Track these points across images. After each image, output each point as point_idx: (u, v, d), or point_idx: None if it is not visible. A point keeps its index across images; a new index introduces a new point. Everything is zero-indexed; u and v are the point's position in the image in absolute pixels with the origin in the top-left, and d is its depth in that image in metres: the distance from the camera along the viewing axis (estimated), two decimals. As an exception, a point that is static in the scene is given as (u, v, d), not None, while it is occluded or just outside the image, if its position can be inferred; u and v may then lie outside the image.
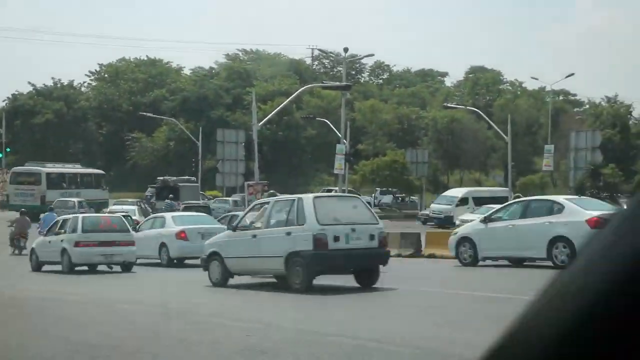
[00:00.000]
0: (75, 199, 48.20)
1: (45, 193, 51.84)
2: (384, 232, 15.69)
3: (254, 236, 15.26)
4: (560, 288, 0.87)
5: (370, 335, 9.06)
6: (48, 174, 53.91)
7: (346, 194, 20.08)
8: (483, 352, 0.91)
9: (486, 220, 20.07)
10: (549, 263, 17.90)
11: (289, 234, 14.59)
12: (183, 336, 9.30)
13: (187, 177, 56.45)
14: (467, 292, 14.04)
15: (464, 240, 20.12)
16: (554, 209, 18.58)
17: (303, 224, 14.38)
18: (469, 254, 19.88)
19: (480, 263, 19.72)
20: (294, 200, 15.39)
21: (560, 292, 0.86)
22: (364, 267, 15.02)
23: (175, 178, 51.13)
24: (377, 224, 15.43)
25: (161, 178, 50.53)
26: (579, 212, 17.67)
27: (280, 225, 15.00)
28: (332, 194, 20.96)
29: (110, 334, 9.71)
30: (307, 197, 15.38)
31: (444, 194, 51.13)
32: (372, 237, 14.86)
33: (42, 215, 32.92)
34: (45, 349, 8.52)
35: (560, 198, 20.09)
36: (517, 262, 19.33)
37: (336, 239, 14.31)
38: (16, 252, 28.36)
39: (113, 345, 8.74)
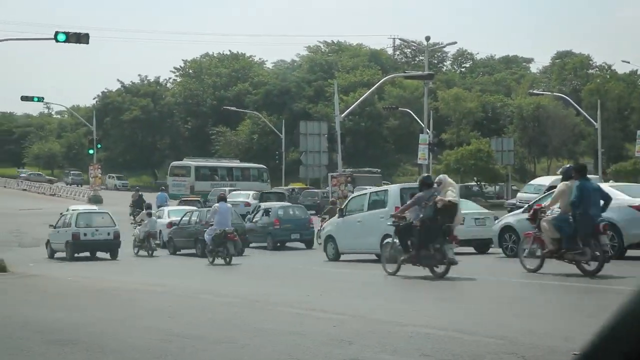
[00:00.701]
0: (227, 189, 52.63)
1: (194, 184, 59.13)
2: (118, 230, 27.85)
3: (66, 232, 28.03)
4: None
5: (454, 325, 8.92)
6: (197, 167, 61.17)
7: (102, 211, 32.36)
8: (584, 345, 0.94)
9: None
10: None
11: (66, 231, 27.87)
12: (269, 327, 9.34)
13: (369, 168, 59.92)
14: (542, 282, 13.69)
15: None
16: None
17: (70, 226, 27.88)
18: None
19: None
20: (69, 213, 29.78)
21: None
22: (103, 250, 27.85)
23: (352, 169, 52.30)
24: (115, 226, 28.02)
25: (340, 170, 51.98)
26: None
27: (64, 226, 28.38)
28: (91, 209, 34.01)
29: (196, 323, 9.83)
30: (74, 211, 30.19)
31: (531, 182, 50.01)
32: (109, 234, 27.61)
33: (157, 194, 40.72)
34: (138, 339, 8.69)
35: None
36: None
37: (85, 234, 27.56)
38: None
39: (199, 336, 8.83)
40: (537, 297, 11.91)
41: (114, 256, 27.52)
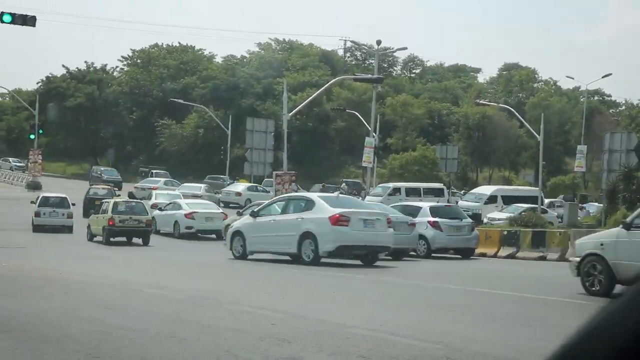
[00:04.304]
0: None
1: None
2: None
3: None
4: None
5: (392, 328, 9.03)
6: None
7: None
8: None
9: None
10: None
11: None
12: (209, 322, 9.32)
13: None
14: (482, 290, 13.94)
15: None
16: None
17: None
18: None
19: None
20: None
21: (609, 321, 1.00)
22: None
23: None
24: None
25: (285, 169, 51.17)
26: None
27: None
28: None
29: (137, 317, 9.75)
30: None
31: (472, 191, 50.80)
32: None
33: None
34: (75, 330, 8.58)
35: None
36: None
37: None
38: None
39: (140, 329, 8.76)
40: (475, 304, 12.12)
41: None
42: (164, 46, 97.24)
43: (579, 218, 39.04)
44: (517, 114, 51.63)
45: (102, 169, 72.94)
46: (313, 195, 22.05)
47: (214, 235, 31.80)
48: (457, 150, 60.68)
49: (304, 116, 73.57)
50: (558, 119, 76.38)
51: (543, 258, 24.41)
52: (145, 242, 28.47)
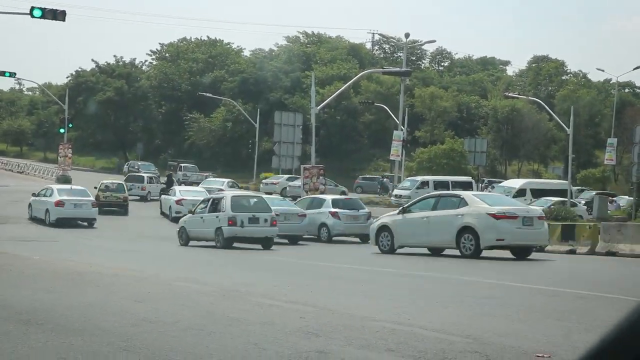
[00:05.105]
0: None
1: None
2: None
3: None
4: None
5: (423, 323, 8.99)
6: None
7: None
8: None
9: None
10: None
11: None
12: (238, 316, 9.35)
13: None
14: (508, 283, 13.85)
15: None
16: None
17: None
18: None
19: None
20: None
21: None
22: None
23: None
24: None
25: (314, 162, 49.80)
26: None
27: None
28: None
29: (166, 310, 9.82)
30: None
31: (501, 184, 50.45)
32: None
33: None
34: (105, 322, 8.66)
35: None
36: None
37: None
38: None
39: (169, 322, 8.83)
40: (504, 297, 12.03)
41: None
42: (193, 40, 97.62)
43: (608, 211, 38.64)
44: (546, 106, 51.19)
45: (139, 163, 72.30)
46: (53, 187, 34.84)
47: None
48: (485, 143, 60.33)
49: (332, 109, 73.50)
50: (588, 111, 75.53)
51: (573, 252, 24.31)
52: (123, 213, 38.99)
